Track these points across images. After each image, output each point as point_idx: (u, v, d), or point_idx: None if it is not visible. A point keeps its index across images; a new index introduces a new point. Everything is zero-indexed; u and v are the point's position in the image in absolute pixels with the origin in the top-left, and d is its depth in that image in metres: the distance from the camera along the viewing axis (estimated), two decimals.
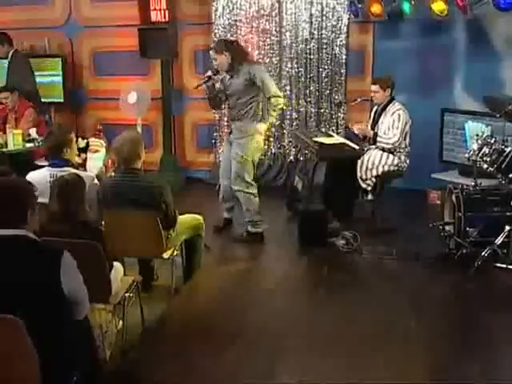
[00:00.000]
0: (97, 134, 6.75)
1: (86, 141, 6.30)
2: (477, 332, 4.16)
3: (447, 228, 5.34)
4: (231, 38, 6.53)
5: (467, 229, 5.07)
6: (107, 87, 8.04)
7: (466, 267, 4.96)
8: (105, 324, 3.63)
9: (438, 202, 6.78)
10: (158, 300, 4.61)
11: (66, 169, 4.28)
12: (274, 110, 5.62)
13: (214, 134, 7.86)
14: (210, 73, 5.61)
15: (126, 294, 3.91)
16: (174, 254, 4.66)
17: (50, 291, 2.62)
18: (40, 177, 4.28)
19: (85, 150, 6.35)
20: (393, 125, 5.88)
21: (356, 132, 6.11)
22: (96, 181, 4.49)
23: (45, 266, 2.64)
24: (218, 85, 5.71)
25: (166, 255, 4.57)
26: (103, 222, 4.31)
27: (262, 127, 5.65)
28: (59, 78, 7.95)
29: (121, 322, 3.86)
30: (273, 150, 7.65)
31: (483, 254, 4.94)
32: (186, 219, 4.81)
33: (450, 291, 4.83)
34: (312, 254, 5.49)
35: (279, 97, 5.61)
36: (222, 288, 4.93)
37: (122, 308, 3.83)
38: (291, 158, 7.57)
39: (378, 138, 5.87)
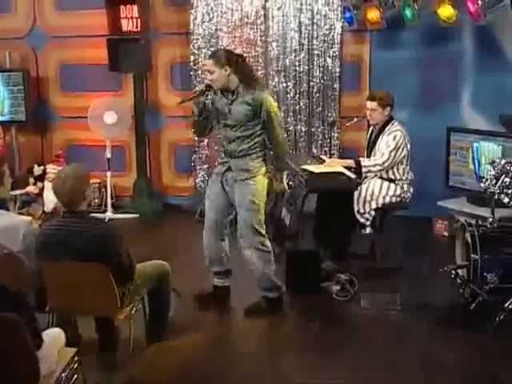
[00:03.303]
0: (56, 160, 5.95)
1: (42, 168, 5.51)
2: None
3: (460, 273, 4.54)
4: (237, 52, 5.08)
5: (484, 274, 4.31)
6: (76, 104, 7.31)
7: (484, 321, 4.22)
8: None
9: (446, 234, 6.25)
10: (117, 365, 3.91)
11: None
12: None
13: (193, 157, 7.17)
14: (201, 86, 4.50)
15: (63, 375, 3.10)
16: (133, 311, 3.88)
17: None
18: None
19: (42, 178, 5.59)
20: (385, 144, 5.11)
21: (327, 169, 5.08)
22: (35, 225, 3.72)
23: None
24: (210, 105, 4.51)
25: (121, 315, 3.78)
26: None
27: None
28: (21, 94, 7.15)
29: None
30: None
31: (506, 305, 4.15)
32: (148, 268, 4.08)
33: (467, 351, 4.03)
34: (301, 304, 4.71)
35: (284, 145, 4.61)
36: (193, 351, 4.11)
37: None
38: None
39: (364, 168, 5.07)
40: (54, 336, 3.21)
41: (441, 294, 4.66)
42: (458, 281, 4.49)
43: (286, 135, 6.66)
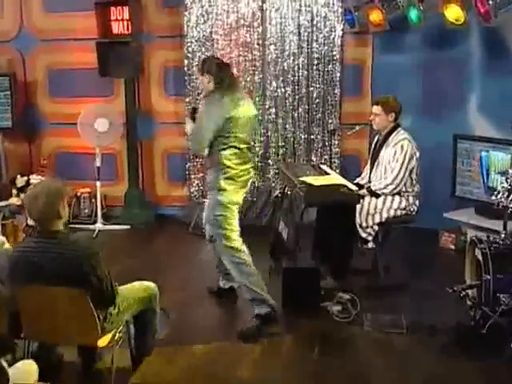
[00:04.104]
0: (41, 171, 5.64)
1: (25, 178, 5.19)
2: None
3: (470, 293, 4.22)
4: (225, 61, 4.86)
5: (497, 294, 4.00)
6: (65, 110, 7.04)
7: (497, 346, 3.89)
8: None
9: (452, 247, 5.96)
10: None
11: None
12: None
13: (188, 165, 6.89)
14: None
15: None
16: (116, 337, 3.56)
17: None
18: None
19: (25, 189, 5.30)
20: (393, 157, 4.81)
21: None
22: (7, 245, 3.40)
23: None
24: None
25: (102, 342, 3.46)
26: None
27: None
28: (8, 100, 6.86)
29: None
30: (256, 184, 6.72)
31: None
32: (132, 290, 3.76)
33: (478, 380, 3.71)
34: (299, 326, 4.36)
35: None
36: (180, 380, 3.78)
37: None
38: (277, 192, 6.61)
39: (372, 187, 4.86)
40: (23, 371, 2.92)
41: (449, 316, 4.30)
42: (468, 302, 4.17)
43: (283, 142, 6.49)
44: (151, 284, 3.88)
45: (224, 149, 4.21)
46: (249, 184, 4.44)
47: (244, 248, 4.35)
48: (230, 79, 4.32)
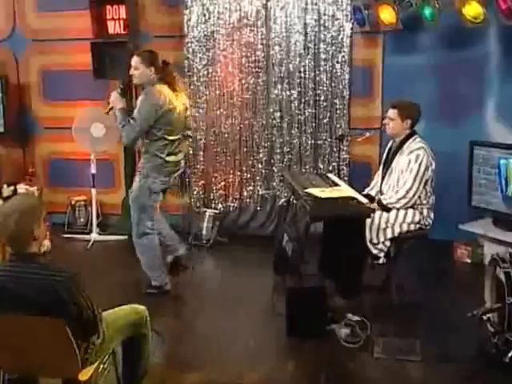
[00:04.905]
0: (29, 179, 5.33)
1: (12, 188, 4.88)
2: None
3: (492, 317, 3.86)
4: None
5: None
6: (60, 114, 6.78)
7: None
8: None
9: (468, 261, 5.69)
10: None
11: None
12: None
13: (188, 171, 6.59)
14: (117, 91, 4.90)
15: None
16: (101, 368, 3.23)
17: None
18: None
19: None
20: (407, 166, 4.47)
21: None
22: None
23: None
24: None
25: (84, 375, 3.11)
26: None
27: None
28: None
29: None
30: (259, 192, 6.47)
31: None
32: (119, 315, 3.42)
33: None
34: (303, 352, 4.02)
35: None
36: None
37: None
38: (282, 201, 6.31)
39: (384, 200, 4.55)
40: None
41: (468, 342, 3.97)
42: (490, 327, 3.82)
43: (288, 148, 6.23)
44: (140, 307, 3.53)
45: (155, 140, 4.68)
46: (174, 175, 4.92)
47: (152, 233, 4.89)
48: (169, 73, 4.80)
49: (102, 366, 3.26)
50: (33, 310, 2.90)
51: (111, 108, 4.79)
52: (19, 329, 2.97)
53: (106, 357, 3.31)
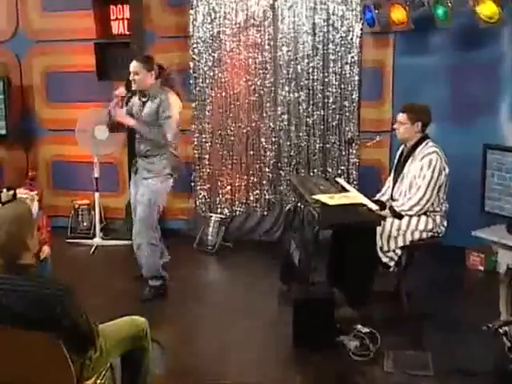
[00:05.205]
0: (29, 184, 5.22)
1: (11, 192, 4.78)
2: None
3: (508, 331, 3.71)
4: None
5: None
6: (64, 116, 6.68)
7: None
8: None
9: (481, 268, 5.56)
10: None
11: None
12: None
13: (194, 175, 6.50)
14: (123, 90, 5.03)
15: None
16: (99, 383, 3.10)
17: None
18: None
19: None
20: (420, 172, 4.32)
21: None
22: None
23: None
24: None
25: None
26: None
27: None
28: (2, 105, 6.57)
29: None
30: (266, 196, 6.37)
31: None
32: (117, 328, 3.28)
33: None
34: (310, 366, 3.86)
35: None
36: None
37: None
38: (289, 206, 6.14)
39: (396, 207, 4.41)
40: None
41: (483, 356, 3.80)
42: (507, 341, 3.66)
43: (296, 151, 6.19)
44: (139, 319, 3.39)
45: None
46: None
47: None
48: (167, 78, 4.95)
49: (99, 382, 3.13)
50: (24, 324, 2.76)
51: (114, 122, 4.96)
52: (10, 344, 2.84)
53: (104, 372, 3.18)
